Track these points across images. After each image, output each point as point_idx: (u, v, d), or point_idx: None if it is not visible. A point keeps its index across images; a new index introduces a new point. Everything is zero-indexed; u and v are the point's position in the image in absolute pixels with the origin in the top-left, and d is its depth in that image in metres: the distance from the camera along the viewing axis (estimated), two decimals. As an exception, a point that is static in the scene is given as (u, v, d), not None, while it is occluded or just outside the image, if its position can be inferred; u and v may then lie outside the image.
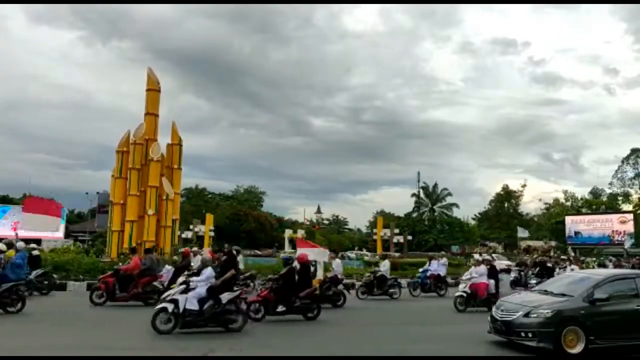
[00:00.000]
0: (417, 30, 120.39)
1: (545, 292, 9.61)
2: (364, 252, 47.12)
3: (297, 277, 11.92)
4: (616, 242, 48.99)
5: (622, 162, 65.32)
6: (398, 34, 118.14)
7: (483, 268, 14.51)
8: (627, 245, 46.69)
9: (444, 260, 20.35)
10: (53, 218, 19.67)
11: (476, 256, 21.03)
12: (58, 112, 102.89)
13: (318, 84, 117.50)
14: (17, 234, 18.08)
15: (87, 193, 56.16)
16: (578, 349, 8.33)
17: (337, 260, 16.27)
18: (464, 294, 14.10)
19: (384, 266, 17.48)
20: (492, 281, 14.24)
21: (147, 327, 9.50)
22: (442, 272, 18.83)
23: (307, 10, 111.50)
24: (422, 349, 9.03)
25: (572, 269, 17.32)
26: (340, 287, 14.97)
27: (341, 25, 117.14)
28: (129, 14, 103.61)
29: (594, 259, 36.84)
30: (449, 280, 19.81)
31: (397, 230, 49.91)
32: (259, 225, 60.34)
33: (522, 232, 39.12)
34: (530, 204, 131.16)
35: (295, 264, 12.39)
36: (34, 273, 15.39)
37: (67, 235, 48.14)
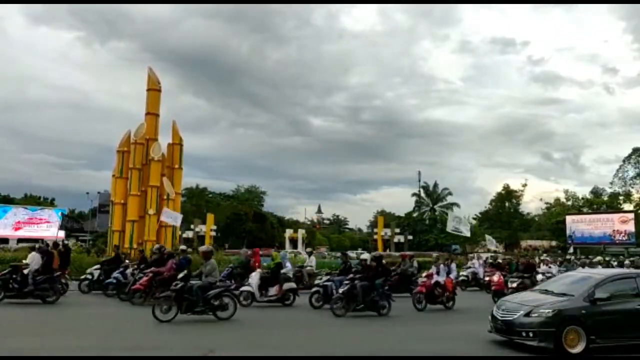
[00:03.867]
0: (416, 29, 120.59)
1: (546, 292, 9.59)
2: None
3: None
4: (617, 242, 48.93)
5: (623, 161, 65.09)
6: (397, 33, 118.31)
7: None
8: None
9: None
10: None
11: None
12: (58, 113, 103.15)
13: (317, 84, 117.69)
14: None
15: (87, 193, 56.41)
16: (579, 348, 8.31)
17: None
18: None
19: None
20: None
21: (149, 327, 9.43)
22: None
23: (305, 10, 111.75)
24: (422, 348, 9.02)
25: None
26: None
27: (340, 24, 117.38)
28: (127, 14, 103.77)
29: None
30: None
31: (397, 230, 49.68)
32: (259, 224, 60.31)
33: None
34: (531, 204, 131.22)
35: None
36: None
37: (68, 235, 48.18)
